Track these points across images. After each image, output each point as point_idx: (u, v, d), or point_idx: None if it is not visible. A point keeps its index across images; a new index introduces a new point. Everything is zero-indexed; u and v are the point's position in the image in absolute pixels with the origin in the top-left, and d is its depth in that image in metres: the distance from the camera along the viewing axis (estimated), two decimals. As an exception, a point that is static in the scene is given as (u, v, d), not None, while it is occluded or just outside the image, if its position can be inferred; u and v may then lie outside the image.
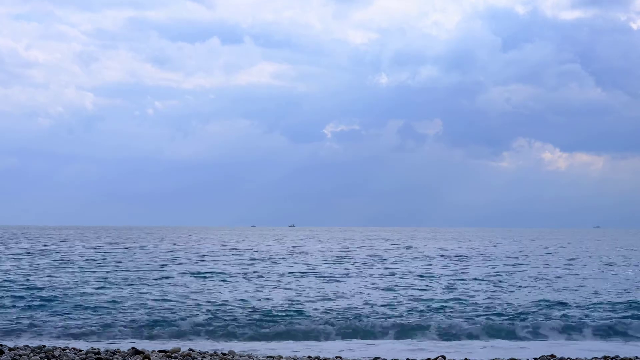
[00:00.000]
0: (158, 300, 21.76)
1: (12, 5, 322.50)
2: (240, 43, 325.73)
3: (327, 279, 29.74)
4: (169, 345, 15.08)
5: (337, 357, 14.20)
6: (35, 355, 12.58)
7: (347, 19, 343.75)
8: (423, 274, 32.05)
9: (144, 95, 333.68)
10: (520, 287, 27.04)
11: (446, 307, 20.96)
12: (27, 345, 14.05)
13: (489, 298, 23.20)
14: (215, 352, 13.85)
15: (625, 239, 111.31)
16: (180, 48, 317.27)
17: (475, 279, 29.66)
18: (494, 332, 17.69)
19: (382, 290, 25.42)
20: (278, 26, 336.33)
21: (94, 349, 13.68)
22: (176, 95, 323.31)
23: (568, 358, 13.92)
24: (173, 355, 13.16)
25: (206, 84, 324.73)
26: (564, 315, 19.67)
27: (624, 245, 75.99)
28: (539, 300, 22.46)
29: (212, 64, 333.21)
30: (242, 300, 22.07)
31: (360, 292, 24.52)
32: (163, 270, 32.53)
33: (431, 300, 22.54)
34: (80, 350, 13.51)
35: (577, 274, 33.45)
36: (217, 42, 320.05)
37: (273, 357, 13.76)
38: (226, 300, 21.80)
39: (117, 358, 12.83)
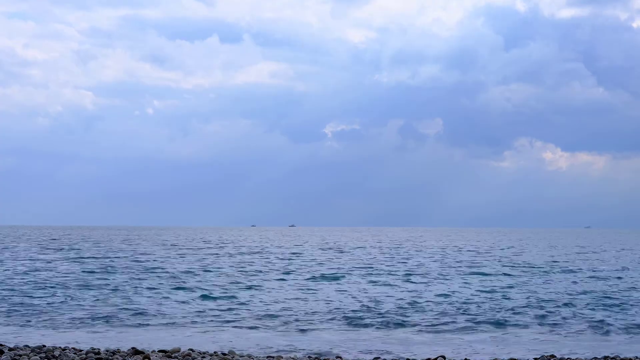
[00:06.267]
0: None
1: (8, 4, 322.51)
2: (240, 42, 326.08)
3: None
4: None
5: (337, 357, 14.19)
6: (35, 355, 12.57)
7: (345, 17, 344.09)
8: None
9: (143, 95, 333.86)
10: None
11: None
12: (27, 345, 14.04)
13: None
14: (215, 352, 13.84)
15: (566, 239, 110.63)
16: (178, 46, 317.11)
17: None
18: None
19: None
20: (277, 24, 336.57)
21: (94, 349, 13.67)
22: (175, 95, 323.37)
23: (568, 358, 13.91)
24: (173, 355, 13.15)
25: (205, 83, 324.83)
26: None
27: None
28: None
29: (212, 62, 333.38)
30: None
31: None
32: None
33: None
34: (80, 350, 13.50)
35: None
36: (216, 40, 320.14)
37: (273, 357, 13.76)
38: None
39: (117, 358, 12.82)
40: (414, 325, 18.36)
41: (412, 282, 29.23)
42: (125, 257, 44.41)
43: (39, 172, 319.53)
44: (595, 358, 13.91)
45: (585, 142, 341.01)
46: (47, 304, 21.25)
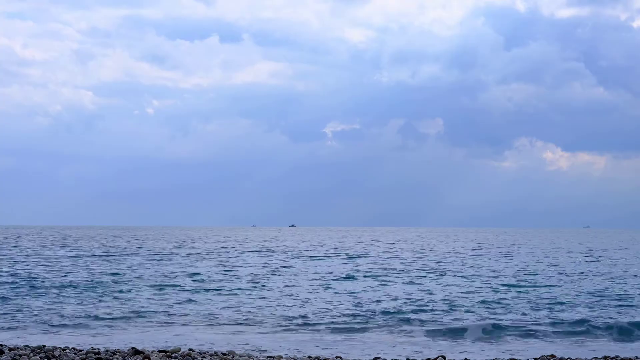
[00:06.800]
0: None
1: (7, 4, 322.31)
2: (239, 41, 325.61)
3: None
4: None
5: (337, 357, 14.19)
6: (35, 355, 12.57)
7: (345, 16, 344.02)
8: None
9: (143, 94, 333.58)
10: None
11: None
12: (27, 345, 14.05)
13: None
14: (215, 352, 13.85)
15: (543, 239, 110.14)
16: (178, 46, 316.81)
17: None
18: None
19: None
20: (277, 24, 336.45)
21: (94, 349, 13.67)
22: (175, 94, 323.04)
23: (568, 358, 13.91)
24: (173, 355, 13.16)
25: (205, 83, 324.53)
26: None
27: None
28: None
29: (211, 62, 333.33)
30: None
31: None
32: None
33: None
34: (80, 350, 13.51)
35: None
36: (215, 40, 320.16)
37: (273, 357, 13.76)
38: None
39: (117, 358, 12.83)
40: (421, 325, 18.38)
41: (424, 282, 29.16)
42: (134, 254, 44.38)
43: (39, 171, 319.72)
44: (595, 358, 13.91)
45: (585, 142, 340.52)
46: (49, 303, 21.26)
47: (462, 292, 25.27)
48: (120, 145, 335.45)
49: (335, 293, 25.11)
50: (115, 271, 32.70)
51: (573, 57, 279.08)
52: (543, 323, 18.65)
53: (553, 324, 18.58)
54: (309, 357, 14.01)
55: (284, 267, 37.60)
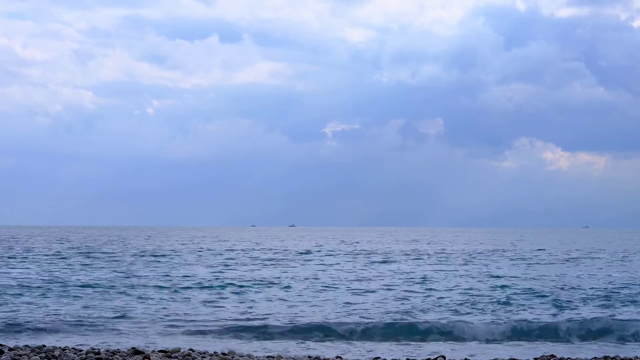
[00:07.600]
0: None
1: (7, 4, 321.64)
2: (239, 41, 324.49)
3: None
4: None
5: (337, 357, 14.20)
6: (35, 355, 12.59)
7: (345, 16, 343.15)
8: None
9: (143, 94, 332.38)
10: None
11: None
12: (27, 345, 14.06)
13: None
14: (215, 352, 13.85)
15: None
16: (178, 46, 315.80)
17: None
18: None
19: None
20: (276, 24, 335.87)
21: (94, 349, 13.69)
22: (175, 94, 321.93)
23: (568, 358, 13.92)
24: (173, 355, 13.17)
25: (205, 83, 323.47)
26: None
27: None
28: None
29: (211, 62, 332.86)
30: None
31: None
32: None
33: None
34: (80, 350, 13.52)
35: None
36: (215, 40, 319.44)
37: (273, 357, 13.77)
38: None
39: (117, 358, 12.84)
40: (423, 324, 18.38)
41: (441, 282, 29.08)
42: (141, 254, 44.31)
43: (39, 171, 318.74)
44: (595, 358, 13.92)
45: (585, 141, 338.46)
46: (52, 302, 21.26)
47: (478, 292, 25.12)
48: (120, 145, 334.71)
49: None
50: (126, 272, 32.64)
51: (573, 57, 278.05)
52: (552, 323, 18.63)
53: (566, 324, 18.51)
54: (309, 357, 14.02)
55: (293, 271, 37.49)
